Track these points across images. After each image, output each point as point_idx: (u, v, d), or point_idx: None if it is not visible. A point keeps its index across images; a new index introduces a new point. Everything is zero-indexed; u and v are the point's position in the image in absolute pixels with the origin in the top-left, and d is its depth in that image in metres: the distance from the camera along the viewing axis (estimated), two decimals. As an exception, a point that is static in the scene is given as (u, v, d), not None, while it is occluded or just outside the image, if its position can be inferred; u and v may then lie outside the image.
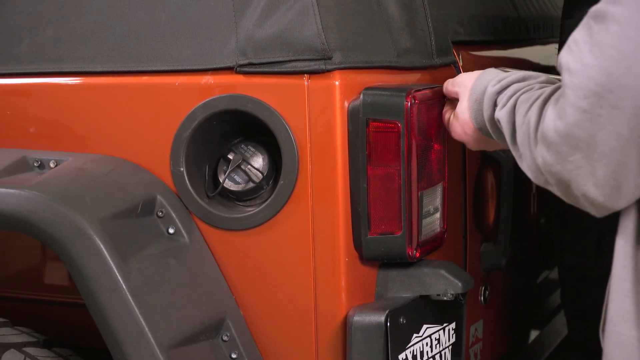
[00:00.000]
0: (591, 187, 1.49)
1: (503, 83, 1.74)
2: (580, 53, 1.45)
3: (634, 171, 1.47)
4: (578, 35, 1.47)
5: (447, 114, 1.92)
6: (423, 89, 1.88)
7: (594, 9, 1.46)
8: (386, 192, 1.84)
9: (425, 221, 1.90)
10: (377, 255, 1.88)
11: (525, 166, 1.62)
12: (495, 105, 1.74)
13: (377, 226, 1.86)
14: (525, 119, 1.60)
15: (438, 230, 1.98)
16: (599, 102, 1.42)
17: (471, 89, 1.81)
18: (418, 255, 1.89)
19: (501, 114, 1.69)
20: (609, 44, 1.42)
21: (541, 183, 1.62)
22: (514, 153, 1.66)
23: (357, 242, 1.87)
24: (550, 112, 1.52)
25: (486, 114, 1.76)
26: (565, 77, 1.47)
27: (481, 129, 1.80)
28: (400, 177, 1.83)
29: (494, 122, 1.74)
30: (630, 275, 1.57)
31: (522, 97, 1.65)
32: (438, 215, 1.97)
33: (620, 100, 1.41)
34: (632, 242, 1.57)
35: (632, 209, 1.56)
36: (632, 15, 1.42)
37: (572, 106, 1.46)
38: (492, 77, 1.78)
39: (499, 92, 1.73)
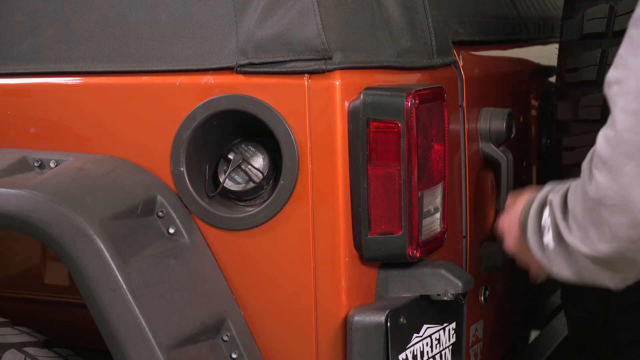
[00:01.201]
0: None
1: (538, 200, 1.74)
2: (625, 62, 1.44)
3: None
4: (621, 50, 1.47)
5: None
6: (423, 89, 1.88)
7: (632, 19, 1.45)
8: (386, 192, 1.84)
9: (425, 221, 1.90)
10: (377, 255, 1.88)
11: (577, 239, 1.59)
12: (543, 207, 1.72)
13: (377, 226, 1.86)
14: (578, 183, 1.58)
15: (438, 230, 1.97)
16: None
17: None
18: (418, 255, 1.89)
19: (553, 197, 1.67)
20: None
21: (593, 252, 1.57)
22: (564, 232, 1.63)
23: (357, 242, 1.87)
24: (600, 133, 1.49)
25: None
26: (614, 89, 1.45)
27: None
28: (401, 177, 1.83)
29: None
30: None
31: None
32: (438, 215, 1.97)
33: None
34: None
35: None
36: None
37: (621, 111, 1.43)
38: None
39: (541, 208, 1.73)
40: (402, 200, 1.84)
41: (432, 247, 1.96)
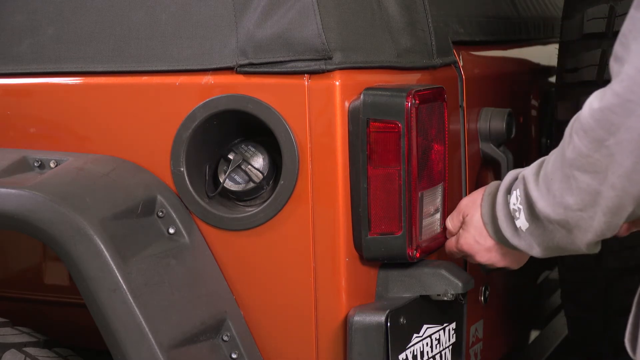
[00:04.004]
0: (620, 177, 1.52)
1: (506, 181, 1.80)
2: (627, 42, 1.48)
3: None
4: (624, 27, 1.51)
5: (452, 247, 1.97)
6: (424, 90, 1.88)
7: (635, 1, 1.49)
8: (386, 193, 1.84)
9: (425, 221, 1.90)
10: (377, 255, 1.88)
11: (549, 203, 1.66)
12: (508, 193, 1.79)
13: (377, 226, 1.86)
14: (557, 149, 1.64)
15: (438, 230, 1.97)
16: (631, 86, 1.45)
17: (479, 207, 1.87)
18: (418, 255, 1.89)
19: (526, 172, 1.74)
20: None
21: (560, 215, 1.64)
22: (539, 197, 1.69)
23: (357, 243, 1.87)
24: (590, 98, 1.54)
25: (502, 209, 1.80)
26: (614, 67, 1.50)
27: (500, 239, 1.84)
28: (401, 178, 1.83)
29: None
30: None
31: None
32: (438, 215, 1.97)
33: None
34: None
35: None
36: None
37: (610, 90, 1.49)
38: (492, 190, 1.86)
39: (509, 187, 1.79)
40: (402, 201, 1.84)
41: (432, 247, 1.96)
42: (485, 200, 1.87)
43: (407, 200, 1.84)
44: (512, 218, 1.77)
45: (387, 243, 1.86)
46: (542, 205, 1.67)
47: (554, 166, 1.64)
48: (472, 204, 1.90)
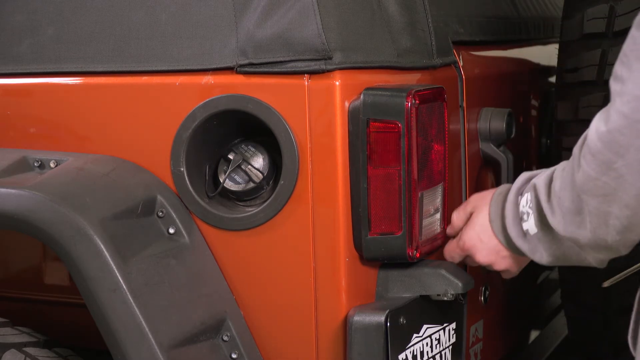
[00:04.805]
0: (634, 197, 1.50)
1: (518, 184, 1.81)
2: (629, 61, 1.46)
3: None
4: (625, 46, 1.48)
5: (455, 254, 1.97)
6: (424, 90, 1.88)
7: (636, 19, 1.47)
8: (386, 193, 1.84)
9: (425, 221, 1.90)
10: (377, 255, 1.88)
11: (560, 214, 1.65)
12: (520, 194, 1.79)
13: (377, 226, 1.86)
14: (566, 165, 1.64)
15: (438, 230, 1.97)
16: (638, 107, 1.43)
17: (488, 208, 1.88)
18: (418, 255, 1.89)
19: (538, 181, 1.73)
20: None
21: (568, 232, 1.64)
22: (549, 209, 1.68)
23: (357, 243, 1.87)
24: (595, 121, 1.52)
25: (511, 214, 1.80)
26: (616, 86, 1.48)
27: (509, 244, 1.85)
28: (401, 178, 1.83)
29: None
30: None
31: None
32: (438, 215, 1.97)
33: None
34: None
35: None
36: None
37: (616, 111, 1.46)
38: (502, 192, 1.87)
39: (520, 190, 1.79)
40: (402, 201, 1.84)
41: (432, 247, 1.96)
42: (495, 199, 1.87)
43: (407, 200, 1.84)
44: (520, 219, 1.77)
45: (387, 243, 1.86)
46: (553, 221, 1.68)
47: (562, 186, 1.64)
48: (481, 200, 1.90)
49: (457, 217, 1.96)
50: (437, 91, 1.93)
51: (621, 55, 1.50)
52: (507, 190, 1.85)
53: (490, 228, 1.86)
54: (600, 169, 1.52)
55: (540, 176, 1.74)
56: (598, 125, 1.52)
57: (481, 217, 1.88)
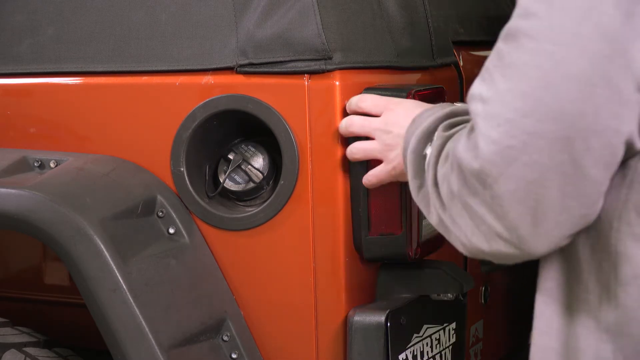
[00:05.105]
0: (502, 228, 1.30)
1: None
2: (492, 79, 1.28)
3: (556, 206, 1.26)
4: (488, 62, 1.31)
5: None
6: (424, 89, 1.87)
7: (503, 31, 1.30)
8: (387, 193, 1.84)
9: (425, 222, 1.90)
10: (377, 255, 1.88)
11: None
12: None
13: (378, 227, 1.86)
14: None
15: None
16: (510, 130, 1.25)
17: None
18: (418, 256, 1.89)
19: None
20: (524, 63, 1.25)
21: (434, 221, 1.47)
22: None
23: (357, 243, 1.87)
24: (462, 150, 1.31)
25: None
26: (477, 106, 1.29)
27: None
28: None
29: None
30: (558, 345, 1.42)
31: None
32: (438, 215, 1.96)
33: (539, 123, 1.23)
34: (558, 308, 1.42)
35: (553, 264, 1.41)
36: (549, 27, 1.24)
37: (484, 138, 1.27)
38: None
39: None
40: (403, 201, 1.84)
41: (432, 247, 1.96)
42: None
43: (408, 200, 1.84)
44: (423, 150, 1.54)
45: (387, 243, 1.86)
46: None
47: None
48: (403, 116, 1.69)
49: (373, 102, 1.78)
50: (437, 91, 1.93)
51: (483, 72, 1.31)
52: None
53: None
54: (468, 191, 1.32)
55: (433, 145, 1.48)
56: (468, 158, 1.30)
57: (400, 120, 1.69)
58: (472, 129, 1.31)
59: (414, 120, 1.62)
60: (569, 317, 1.40)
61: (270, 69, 1.87)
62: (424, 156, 1.51)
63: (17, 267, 2.42)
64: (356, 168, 1.84)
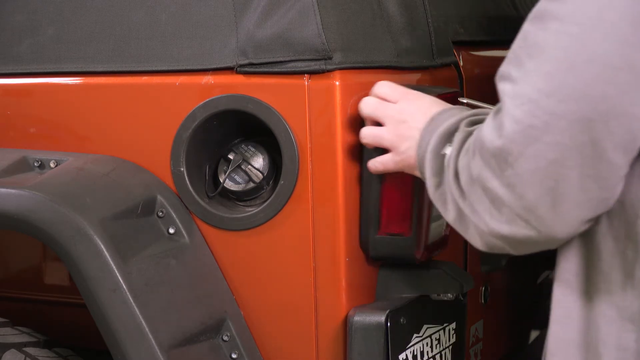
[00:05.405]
0: (522, 209, 1.33)
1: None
2: (519, 60, 1.32)
3: (575, 187, 1.29)
4: (515, 44, 1.35)
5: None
6: (443, 93, 1.87)
7: (530, 14, 1.34)
8: (400, 194, 1.84)
9: (434, 225, 1.90)
10: (384, 255, 1.88)
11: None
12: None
13: (387, 227, 1.85)
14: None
15: (443, 232, 1.97)
16: (533, 110, 1.28)
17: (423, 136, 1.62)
18: (425, 257, 1.89)
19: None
20: (549, 44, 1.28)
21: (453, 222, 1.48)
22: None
23: (364, 241, 1.87)
24: (489, 128, 1.35)
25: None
26: (506, 86, 1.33)
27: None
28: (414, 179, 1.81)
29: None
30: (577, 336, 1.40)
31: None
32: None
33: (561, 104, 1.26)
34: (577, 298, 1.40)
35: (572, 255, 1.40)
36: (575, 10, 1.27)
37: (508, 116, 1.31)
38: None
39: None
40: (415, 203, 1.83)
41: (437, 249, 1.96)
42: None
43: (420, 202, 1.83)
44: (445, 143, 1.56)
45: (395, 244, 1.86)
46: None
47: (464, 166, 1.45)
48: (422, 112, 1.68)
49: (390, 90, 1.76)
50: (454, 94, 1.92)
51: (510, 54, 1.35)
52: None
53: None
54: (493, 173, 1.35)
55: (455, 144, 1.51)
56: (492, 137, 1.34)
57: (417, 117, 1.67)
58: (498, 110, 1.34)
59: (432, 119, 1.62)
60: (589, 307, 1.40)
61: (270, 69, 1.87)
62: (443, 155, 1.53)
63: (17, 267, 2.42)
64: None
